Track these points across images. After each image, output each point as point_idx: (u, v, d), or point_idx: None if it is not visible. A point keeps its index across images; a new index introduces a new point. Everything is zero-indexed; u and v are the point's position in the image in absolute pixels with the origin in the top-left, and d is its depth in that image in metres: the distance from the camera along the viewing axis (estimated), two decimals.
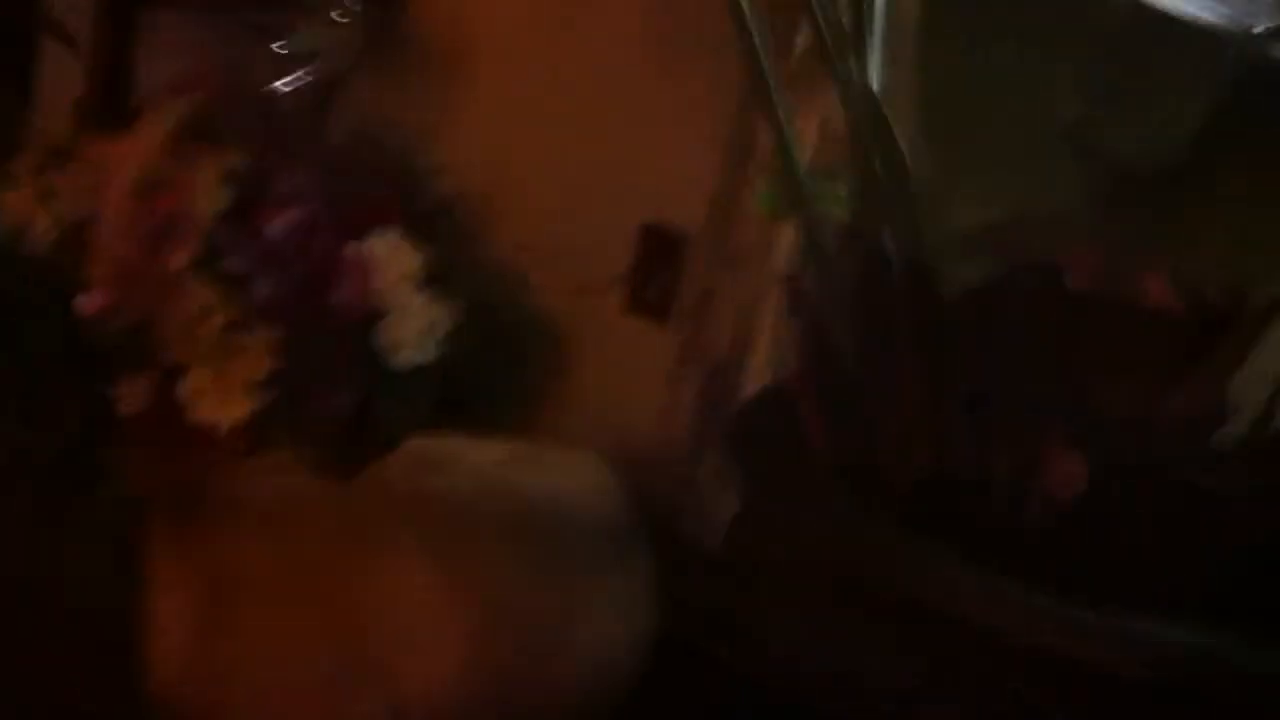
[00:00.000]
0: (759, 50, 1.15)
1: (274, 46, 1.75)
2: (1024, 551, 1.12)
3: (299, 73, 1.79)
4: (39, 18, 1.97)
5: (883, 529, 1.11)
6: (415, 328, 1.80)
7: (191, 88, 1.81)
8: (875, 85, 1.18)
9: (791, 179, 1.16)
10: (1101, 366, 1.06)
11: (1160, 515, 1.08)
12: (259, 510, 1.51)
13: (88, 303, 1.59)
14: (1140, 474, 1.07)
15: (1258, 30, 1.05)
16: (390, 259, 1.80)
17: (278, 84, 1.77)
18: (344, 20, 1.81)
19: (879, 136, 1.15)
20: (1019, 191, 1.14)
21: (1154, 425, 1.06)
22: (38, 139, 1.87)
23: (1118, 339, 1.07)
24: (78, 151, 1.83)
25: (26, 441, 1.69)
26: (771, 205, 1.55)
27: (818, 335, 1.23)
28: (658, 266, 2.01)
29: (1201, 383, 1.04)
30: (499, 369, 1.99)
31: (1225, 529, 1.06)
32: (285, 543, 1.47)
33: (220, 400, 1.64)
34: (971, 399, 1.11)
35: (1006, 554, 1.12)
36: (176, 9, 2.05)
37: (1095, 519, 1.11)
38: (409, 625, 1.43)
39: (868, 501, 1.14)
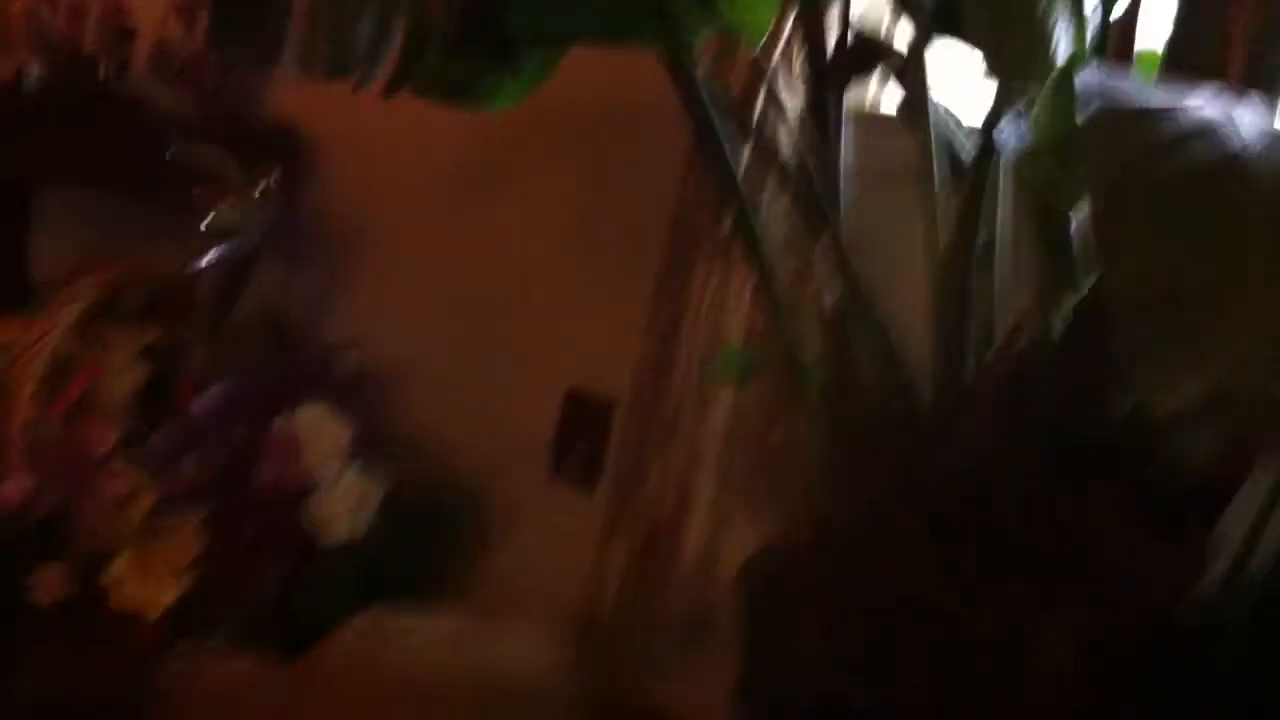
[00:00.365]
0: (750, 218, 1.16)
1: (199, 224, 1.71)
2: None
3: (215, 249, 1.75)
4: None
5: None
6: (346, 503, 1.76)
7: (98, 268, 1.77)
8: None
9: (785, 340, 1.17)
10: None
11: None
12: (207, 702, 1.43)
13: (5, 490, 1.52)
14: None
15: None
16: (317, 433, 1.76)
17: (196, 262, 1.73)
18: (260, 197, 1.79)
19: (858, 302, 1.17)
20: None
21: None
22: None
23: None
24: None
25: None
26: (725, 371, 1.55)
27: (809, 499, 1.23)
28: (583, 434, 2.00)
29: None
30: (423, 543, 1.95)
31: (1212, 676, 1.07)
32: None
33: (146, 586, 1.57)
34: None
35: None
36: (74, 188, 2.01)
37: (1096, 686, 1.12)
38: None
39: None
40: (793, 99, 1.77)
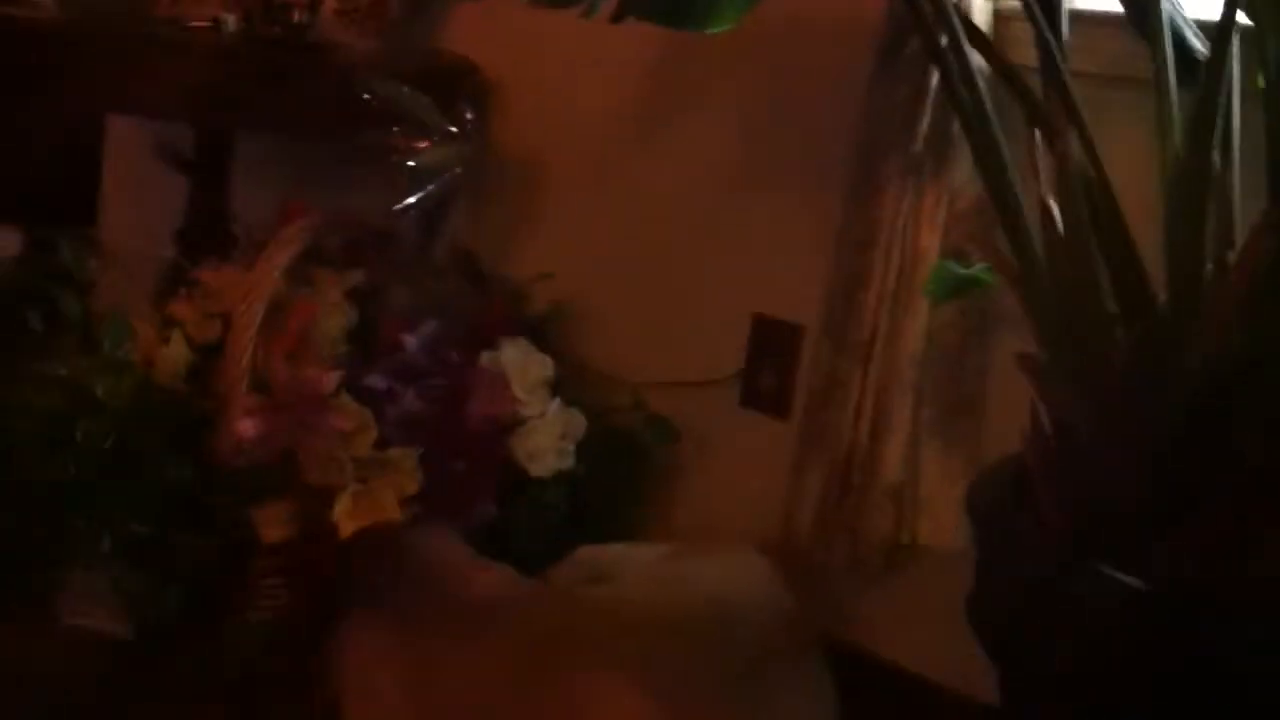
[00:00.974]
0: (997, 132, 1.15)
1: (399, 165, 1.75)
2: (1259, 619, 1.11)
3: (418, 189, 1.79)
4: (157, 148, 1.97)
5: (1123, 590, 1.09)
6: (553, 435, 1.79)
7: (302, 213, 1.81)
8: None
9: (1028, 255, 1.16)
10: None
11: None
12: (469, 610, 1.46)
13: (239, 431, 1.57)
14: None
15: None
16: (521, 368, 1.79)
17: (399, 203, 1.77)
18: (458, 135, 1.82)
19: (1101, 206, 1.16)
20: None
21: None
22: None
23: None
24: (192, 281, 1.82)
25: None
26: (939, 288, 1.54)
27: (1052, 411, 1.22)
28: (773, 359, 2.00)
29: None
30: (624, 473, 1.98)
31: None
32: (488, 647, 1.42)
33: (371, 519, 1.62)
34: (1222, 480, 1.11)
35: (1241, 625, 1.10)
36: (272, 134, 2.06)
37: None
38: None
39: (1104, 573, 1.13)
40: (986, 4, 1.76)
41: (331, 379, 1.61)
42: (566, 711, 1.35)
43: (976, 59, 1.20)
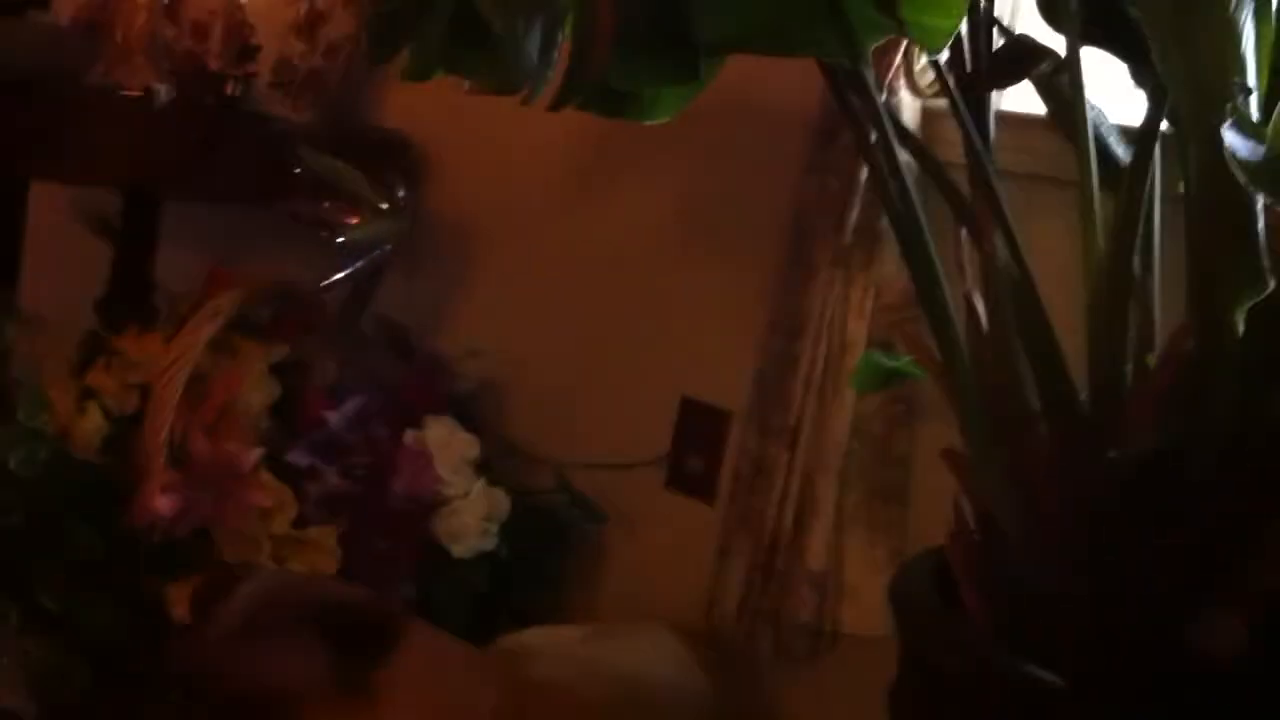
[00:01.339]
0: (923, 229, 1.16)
1: (328, 237, 1.74)
2: (1186, 709, 1.12)
3: (351, 265, 1.78)
4: (82, 213, 1.95)
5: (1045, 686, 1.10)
6: (476, 515, 1.77)
7: (229, 281, 1.79)
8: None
9: (953, 350, 1.17)
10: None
11: None
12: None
13: (155, 507, 1.54)
14: None
15: None
16: (446, 445, 1.78)
17: (328, 275, 1.76)
18: (389, 211, 1.81)
19: (1023, 305, 1.17)
20: None
21: None
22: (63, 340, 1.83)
23: None
24: (112, 350, 1.79)
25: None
26: (865, 378, 1.56)
27: (976, 505, 1.23)
28: (700, 443, 2.00)
29: None
30: (545, 553, 1.96)
31: None
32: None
33: None
34: (1133, 562, 1.12)
35: (1169, 711, 1.11)
36: (201, 202, 2.04)
37: (1255, 679, 1.12)
38: None
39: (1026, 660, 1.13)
40: (912, 99, 1.79)
41: (252, 455, 1.59)
42: None
43: (905, 155, 1.22)
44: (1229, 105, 0.82)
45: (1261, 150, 0.79)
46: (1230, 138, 0.80)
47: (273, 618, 1.33)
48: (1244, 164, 0.79)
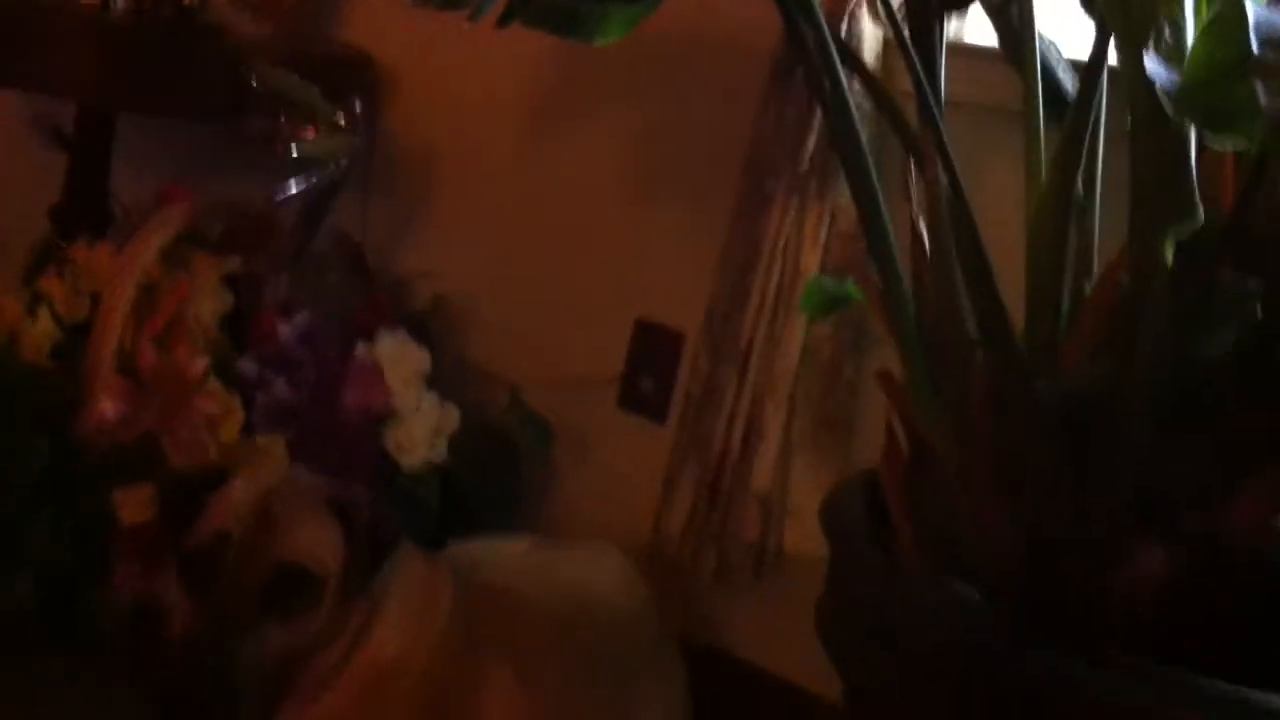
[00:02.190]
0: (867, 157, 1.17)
1: (282, 152, 1.73)
2: (1107, 636, 1.14)
3: (300, 179, 1.77)
4: (36, 123, 1.93)
5: (974, 608, 1.12)
6: (426, 428, 1.78)
7: (180, 196, 1.79)
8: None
9: (891, 277, 1.18)
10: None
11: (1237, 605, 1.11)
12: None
13: (101, 412, 1.54)
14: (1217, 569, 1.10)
15: None
16: (397, 360, 1.79)
17: (280, 191, 1.75)
18: (345, 126, 1.80)
19: (962, 234, 1.18)
20: None
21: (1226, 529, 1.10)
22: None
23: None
24: (64, 258, 1.79)
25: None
26: (813, 303, 1.57)
27: (909, 430, 1.25)
28: (653, 364, 2.02)
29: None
30: (497, 470, 1.98)
31: None
32: None
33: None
34: (1062, 489, 1.14)
35: (1089, 639, 1.14)
36: (156, 117, 2.03)
37: (1176, 609, 1.15)
38: None
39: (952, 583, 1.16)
40: (874, 28, 1.79)
41: (200, 363, 1.59)
42: (466, 693, 1.35)
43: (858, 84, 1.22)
44: (1153, 35, 0.82)
45: (1177, 79, 0.80)
46: (1151, 65, 0.81)
47: (288, 502, 1.34)
48: (1164, 92, 0.80)
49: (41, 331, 1.68)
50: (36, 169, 2.05)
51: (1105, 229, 1.31)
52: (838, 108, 1.17)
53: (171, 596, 1.31)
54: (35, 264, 1.76)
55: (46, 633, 1.65)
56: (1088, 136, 1.22)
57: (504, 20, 1.16)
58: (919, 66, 1.24)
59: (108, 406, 1.56)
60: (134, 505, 1.62)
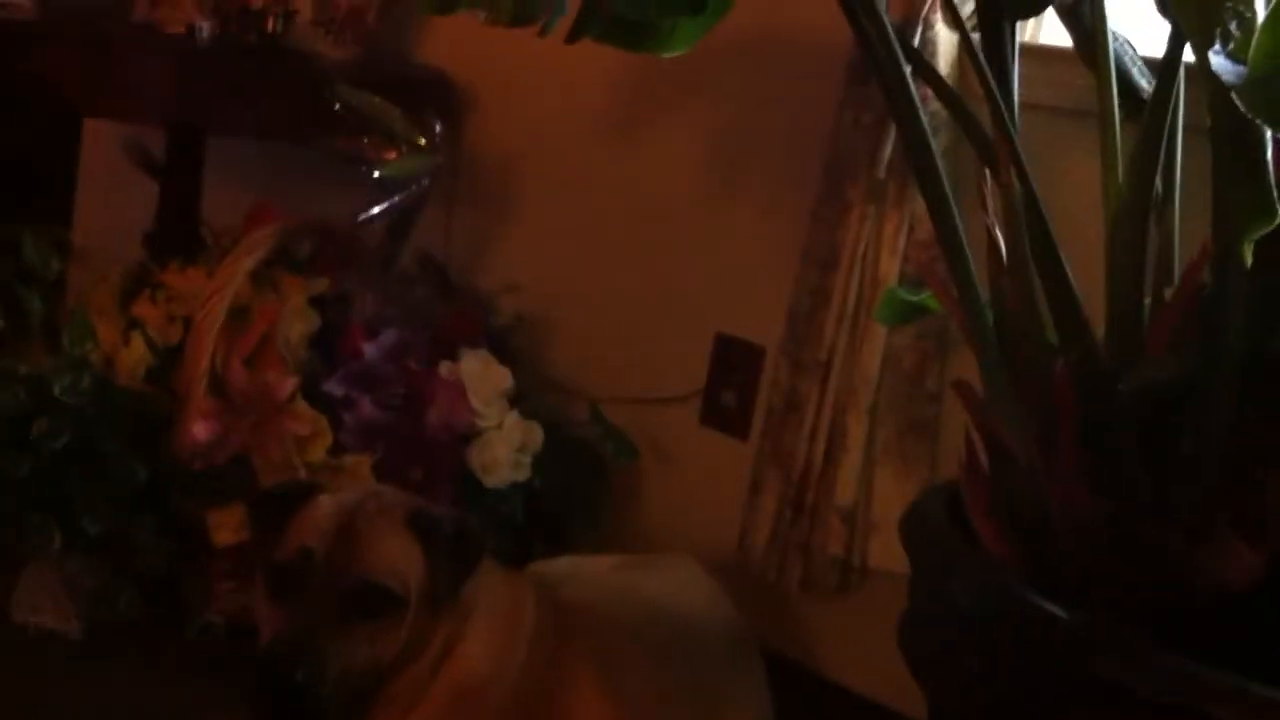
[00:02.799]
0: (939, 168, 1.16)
1: (367, 173, 1.76)
2: (1196, 635, 1.12)
3: (385, 198, 1.80)
4: (127, 149, 1.98)
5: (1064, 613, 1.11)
6: (510, 446, 1.80)
7: (269, 217, 1.83)
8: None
9: (967, 286, 1.17)
10: None
11: None
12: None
13: (194, 434, 1.58)
14: None
15: None
16: (481, 377, 1.81)
17: (365, 211, 1.78)
18: (426, 145, 1.83)
19: (1037, 239, 1.17)
20: None
21: None
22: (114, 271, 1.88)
23: None
24: (158, 283, 1.83)
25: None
26: (888, 312, 1.56)
27: (988, 439, 1.24)
28: (734, 379, 2.02)
29: None
30: (580, 485, 1.99)
31: None
32: None
33: None
34: (1147, 488, 1.13)
35: (1178, 637, 1.12)
36: (242, 139, 2.08)
37: (1266, 610, 1.12)
38: None
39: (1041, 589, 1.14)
40: (949, 33, 1.78)
41: (289, 384, 1.62)
42: (553, 705, 1.36)
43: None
44: (1219, 29, 0.81)
45: (1243, 73, 0.79)
46: (1217, 61, 0.80)
47: (371, 520, 1.35)
48: (1231, 87, 0.79)
49: (136, 355, 1.72)
50: (130, 196, 2.11)
51: (1185, 229, 1.30)
52: (908, 118, 1.16)
53: (262, 610, 1.33)
54: (130, 289, 1.81)
55: (148, 643, 1.70)
56: (1165, 135, 1.21)
57: (573, 36, 1.17)
58: (990, 72, 1.24)
59: (200, 428, 1.59)
60: (226, 526, 1.65)
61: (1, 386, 1.63)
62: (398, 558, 1.31)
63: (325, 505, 1.34)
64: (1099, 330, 1.22)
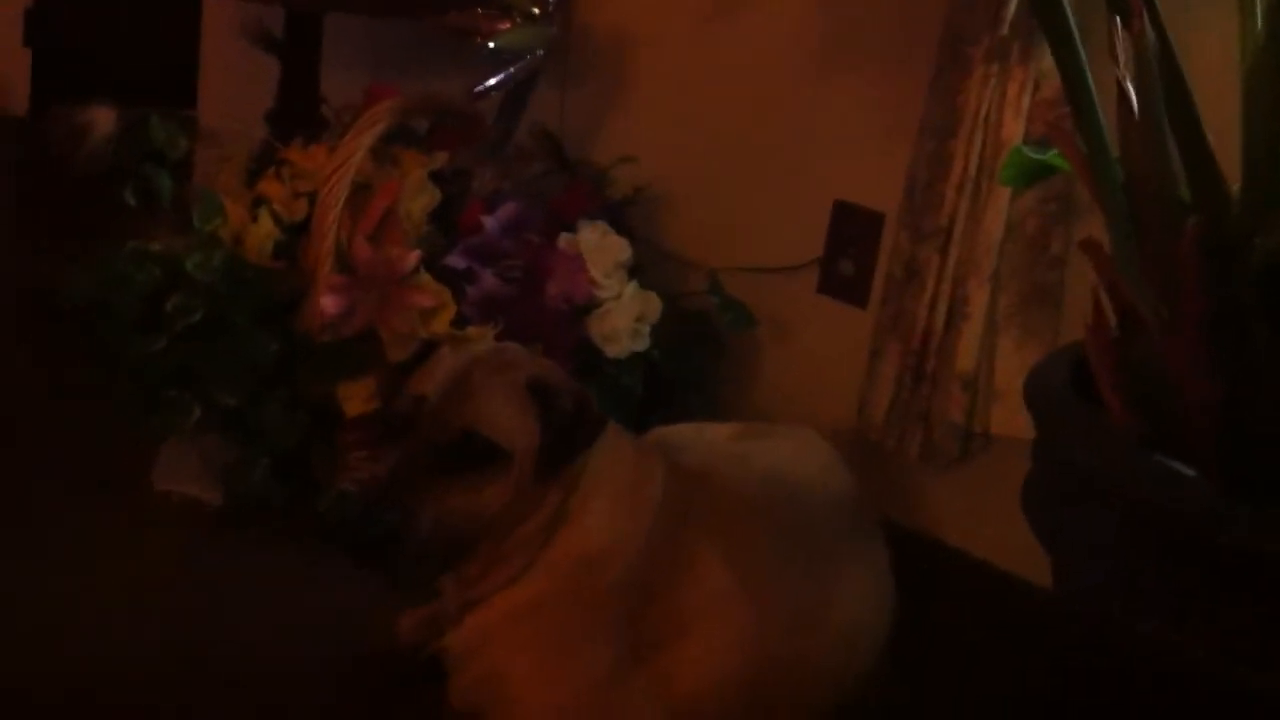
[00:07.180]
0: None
1: (483, 44, 1.76)
2: None
3: (499, 71, 1.80)
4: (246, 28, 2.01)
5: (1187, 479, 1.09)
6: (628, 317, 1.81)
7: (387, 93, 1.84)
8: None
9: (1097, 142, 1.14)
10: None
11: None
12: None
13: (322, 308, 1.61)
14: None
15: None
16: (600, 249, 1.81)
17: (481, 84, 1.79)
18: (540, 17, 1.82)
19: (1172, 92, 1.14)
20: None
21: None
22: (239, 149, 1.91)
23: None
24: (281, 160, 1.86)
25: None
26: (1014, 173, 1.53)
27: (1116, 299, 1.22)
28: (853, 247, 2.00)
29: None
30: (698, 355, 2.00)
31: None
32: None
33: None
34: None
35: None
36: (360, 15, 2.08)
37: None
38: (695, 619, 1.43)
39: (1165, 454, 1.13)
40: None
41: (412, 257, 1.65)
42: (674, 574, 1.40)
43: None
44: None
45: None
46: None
47: (488, 375, 1.35)
48: None
49: (264, 232, 1.75)
50: (252, 74, 2.14)
51: None
52: None
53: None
54: (255, 167, 1.84)
55: (282, 516, 1.76)
56: None
57: None
58: None
59: (328, 302, 1.63)
60: (357, 398, 1.69)
61: (136, 265, 1.68)
62: (508, 415, 1.31)
63: (445, 358, 1.36)
64: (1235, 188, 1.19)
